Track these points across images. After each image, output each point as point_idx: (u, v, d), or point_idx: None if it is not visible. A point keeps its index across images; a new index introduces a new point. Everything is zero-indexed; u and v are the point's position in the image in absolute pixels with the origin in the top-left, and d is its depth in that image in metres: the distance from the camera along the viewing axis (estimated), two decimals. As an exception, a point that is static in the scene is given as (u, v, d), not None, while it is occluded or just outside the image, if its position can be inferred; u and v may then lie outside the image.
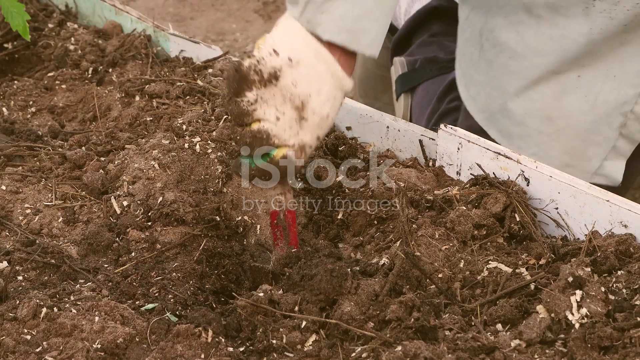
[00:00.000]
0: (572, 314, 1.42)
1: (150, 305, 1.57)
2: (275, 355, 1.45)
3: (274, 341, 1.46)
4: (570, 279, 1.45)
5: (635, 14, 1.89)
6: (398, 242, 1.62)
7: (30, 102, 2.25)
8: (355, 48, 1.62)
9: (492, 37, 2.05)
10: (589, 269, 1.48)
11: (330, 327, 1.46)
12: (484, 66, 2.08)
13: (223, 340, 1.48)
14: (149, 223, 1.78)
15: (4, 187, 1.86)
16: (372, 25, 1.62)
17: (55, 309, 1.52)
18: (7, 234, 1.76)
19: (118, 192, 1.84)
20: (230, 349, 1.46)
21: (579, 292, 1.43)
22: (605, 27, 1.91)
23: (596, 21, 1.91)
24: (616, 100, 1.99)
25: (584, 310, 1.41)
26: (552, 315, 1.44)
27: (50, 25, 2.48)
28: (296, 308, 1.50)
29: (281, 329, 1.47)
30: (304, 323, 1.48)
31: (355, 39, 1.61)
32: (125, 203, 1.81)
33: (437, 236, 1.64)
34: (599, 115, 2.01)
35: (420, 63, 2.42)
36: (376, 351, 1.41)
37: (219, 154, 1.89)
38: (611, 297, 1.44)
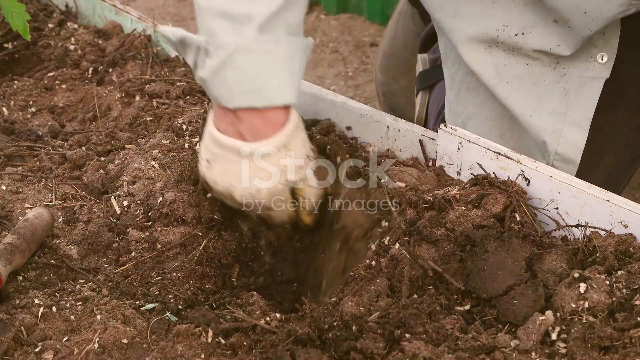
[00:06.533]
0: (575, 306, 1.42)
1: (150, 305, 1.57)
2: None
3: None
4: (577, 274, 1.45)
5: (534, 49, 1.88)
6: (397, 243, 1.62)
7: (30, 102, 2.25)
8: (265, 104, 1.60)
9: (453, 55, 2.05)
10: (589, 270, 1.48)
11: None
12: (449, 82, 2.09)
13: (223, 340, 1.48)
14: (149, 223, 1.78)
15: (4, 187, 1.86)
16: (274, 76, 1.59)
17: (55, 309, 1.52)
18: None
19: (118, 192, 1.84)
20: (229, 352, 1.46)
21: (582, 285, 1.43)
22: (509, 64, 1.92)
23: (500, 57, 1.92)
24: (537, 137, 1.97)
25: (586, 304, 1.41)
26: (554, 312, 1.44)
27: (50, 25, 2.48)
28: None
29: None
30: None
31: (259, 96, 1.59)
32: (125, 203, 1.81)
33: (438, 236, 1.63)
34: (531, 151, 1.99)
35: (439, 61, 2.43)
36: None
37: (219, 154, 1.89)
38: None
